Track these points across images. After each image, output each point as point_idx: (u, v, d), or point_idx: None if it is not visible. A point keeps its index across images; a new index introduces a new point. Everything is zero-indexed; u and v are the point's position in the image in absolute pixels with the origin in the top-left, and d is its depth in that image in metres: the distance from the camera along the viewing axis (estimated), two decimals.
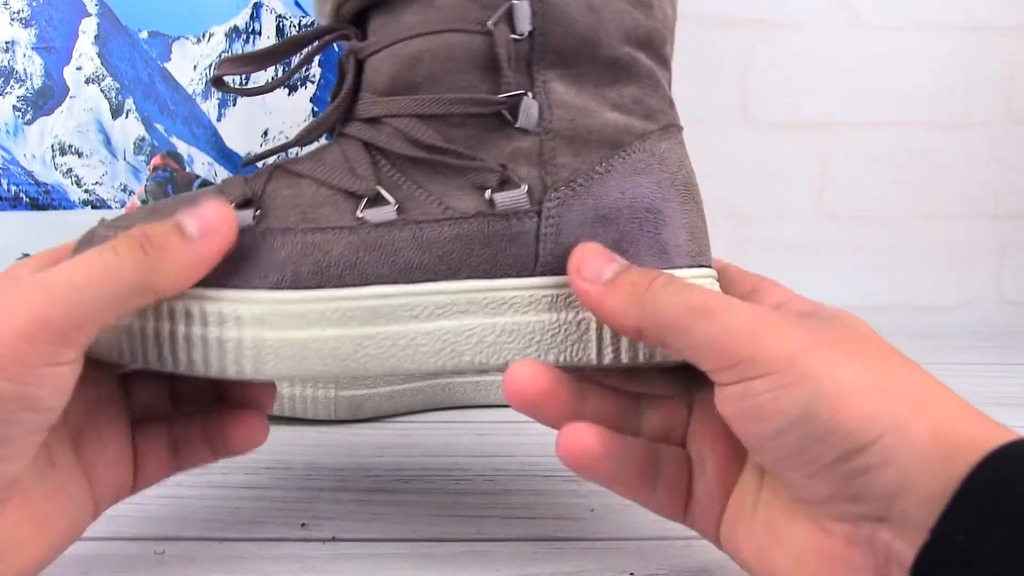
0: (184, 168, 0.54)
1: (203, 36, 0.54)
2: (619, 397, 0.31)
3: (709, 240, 0.33)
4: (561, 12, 0.30)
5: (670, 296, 0.26)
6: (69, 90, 0.53)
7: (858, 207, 0.80)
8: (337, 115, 0.32)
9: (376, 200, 0.29)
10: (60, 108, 0.53)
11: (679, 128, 0.34)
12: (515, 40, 0.30)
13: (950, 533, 0.21)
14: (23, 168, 0.53)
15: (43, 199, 0.53)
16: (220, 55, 0.54)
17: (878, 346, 0.26)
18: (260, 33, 0.55)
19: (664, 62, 0.33)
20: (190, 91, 0.54)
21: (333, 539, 0.33)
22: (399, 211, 0.29)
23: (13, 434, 0.24)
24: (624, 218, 0.30)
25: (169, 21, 0.54)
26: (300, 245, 0.29)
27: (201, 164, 0.54)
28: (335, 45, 0.54)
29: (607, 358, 0.30)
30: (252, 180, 0.31)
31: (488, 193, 0.30)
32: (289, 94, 0.55)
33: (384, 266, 0.29)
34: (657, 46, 0.32)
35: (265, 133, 0.55)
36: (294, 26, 0.55)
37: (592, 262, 0.28)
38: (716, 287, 0.32)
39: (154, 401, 0.32)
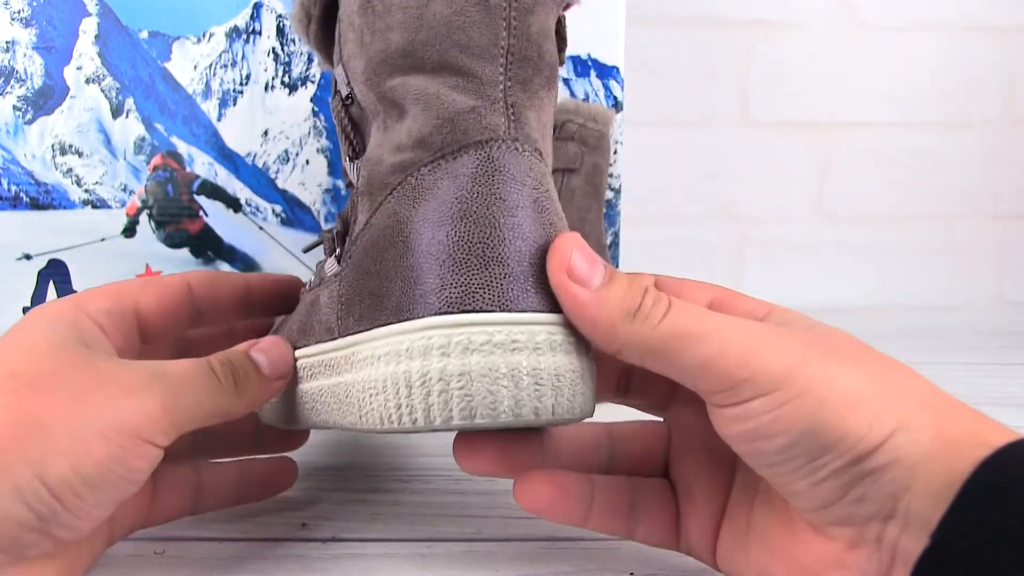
0: (184, 168, 0.54)
1: (203, 36, 0.54)
2: (593, 444, 0.31)
3: (501, 278, 0.26)
4: (351, 67, 0.29)
5: (658, 322, 0.25)
6: (69, 90, 0.53)
7: (858, 207, 0.80)
8: None
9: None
10: (60, 108, 0.53)
11: (474, 144, 0.27)
12: (347, 105, 0.30)
13: (951, 537, 0.21)
14: (23, 168, 0.53)
15: (43, 199, 0.53)
16: (220, 55, 0.54)
17: (869, 351, 0.25)
18: (260, 33, 0.55)
19: (451, 69, 0.27)
20: (190, 91, 0.54)
21: (333, 539, 0.33)
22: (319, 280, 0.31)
23: (107, 497, 0.26)
24: (377, 271, 0.27)
25: (169, 21, 0.54)
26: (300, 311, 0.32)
27: (201, 164, 0.54)
28: None
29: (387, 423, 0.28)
30: None
31: (326, 262, 0.31)
32: (289, 94, 0.55)
33: (289, 329, 0.32)
34: (430, 58, 0.27)
35: (265, 133, 0.55)
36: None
37: (581, 263, 0.26)
38: (476, 334, 0.25)
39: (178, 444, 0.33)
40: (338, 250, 0.30)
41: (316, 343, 0.30)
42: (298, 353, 0.31)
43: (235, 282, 0.34)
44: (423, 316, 0.26)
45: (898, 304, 0.81)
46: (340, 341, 0.29)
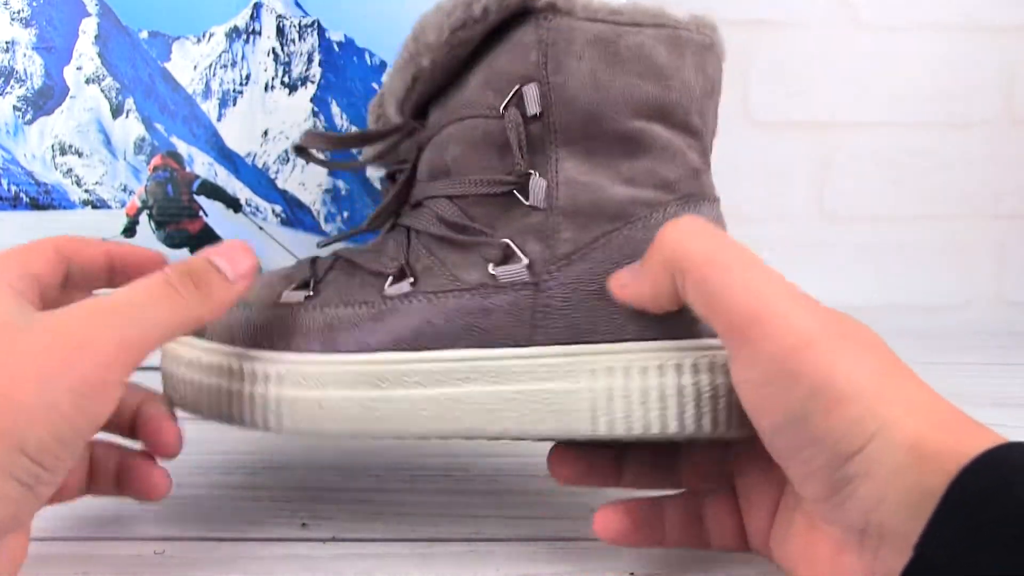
0: (184, 168, 0.54)
1: (203, 36, 0.54)
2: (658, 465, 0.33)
3: None
4: (565, 91, 0.31)
5: (699, 242, 0.28)
6: (69, 90, 0.53)
7: (858, 207, 0.80)
8: (396, 202, 0.35)
9: (399, 276, 0.32)
10: (60, 108, 0.53)
11: (708, 199, 0.32)
12: (527, 121, 0.31)
13: (932, 551, 0.21)
14: (23, 168, 0.53)
15: (43, 199, 0.53)
16: (220, 55, 0.54)
17: (881, 345, 0.25)
18: (260, 33, 0.55)
19: (690, 131, 0.32)
20: (190, 91, 0.54)
21: (333, 539, 0.33)
22: (413, 284, 0.32)
23: (78, 447, 0.26)
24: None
25: (169, 21, 0.54)
26: (330, 317, 0.32)
27: (201, 164, 0.54)
28: (335, 45, 0.54)
29: (600, 428, 0.30)
30: (319, 265, 0.34)
31: (491, 267, 0.31)
32: (289, 94, 0.55)
33: (392, 334, 0.31)
34: (678, 117, 0.32)
35: (265, 133, 0.55)
36: (294, 26, 0.55)
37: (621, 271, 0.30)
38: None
39: None
40: (526, 260, 0.31)
41: (468, 348, 0.31)
42: (424, 355, 0.31)
43: (95, 248, 0.33)
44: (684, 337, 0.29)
45: (898, 304, 0.81)
46: (537, 349, 0.30)
